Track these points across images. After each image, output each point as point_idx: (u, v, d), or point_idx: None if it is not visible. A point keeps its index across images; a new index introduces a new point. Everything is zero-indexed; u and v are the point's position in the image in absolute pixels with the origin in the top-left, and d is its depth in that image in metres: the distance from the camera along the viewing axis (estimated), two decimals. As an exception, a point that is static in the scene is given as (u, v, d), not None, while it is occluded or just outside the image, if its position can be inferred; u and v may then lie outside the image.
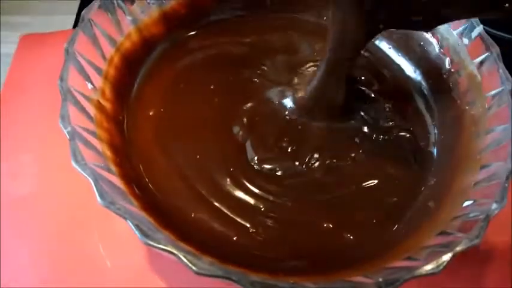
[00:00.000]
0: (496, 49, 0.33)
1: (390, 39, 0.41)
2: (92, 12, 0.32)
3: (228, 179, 0.32)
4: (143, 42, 0.37)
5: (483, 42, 0.34)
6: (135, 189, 0.30)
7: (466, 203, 0.28)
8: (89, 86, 0.31)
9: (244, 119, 0.35)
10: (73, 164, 0.25)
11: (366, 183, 0.33)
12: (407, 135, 0.35)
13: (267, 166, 0.33)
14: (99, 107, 0.31)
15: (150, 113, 0.34)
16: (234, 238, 0.30)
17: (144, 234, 0.24)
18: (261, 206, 0.31)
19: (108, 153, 0.29)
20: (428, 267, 0.24)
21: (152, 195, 0.31)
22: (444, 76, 0.37)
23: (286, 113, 0.36)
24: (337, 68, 0.33)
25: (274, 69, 0.38)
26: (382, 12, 0.29)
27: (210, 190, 0.31)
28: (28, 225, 0.34)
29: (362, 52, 0.40)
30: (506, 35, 0.45)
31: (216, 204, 0.31)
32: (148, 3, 0.37)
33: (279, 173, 0.33)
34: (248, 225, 0.30)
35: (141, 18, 0.36)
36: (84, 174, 0.25)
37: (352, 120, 0.35)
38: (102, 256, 0.33)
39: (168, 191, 0.31)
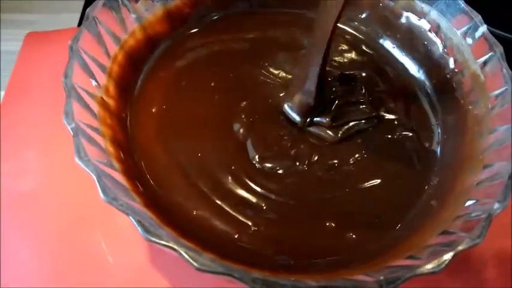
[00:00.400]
0: (499, 49, 0.33)
1: (394, 39, 0.41)
2: (97, 10, 0.32)
3: (230, 177, 0.32)
4: (147, 40, 0.37)
5: (487, 42, 0.34)
6: (138, 185, 0.30)
7: (469, 203, 0.28)
8: (93, 83, 0.31)
9: (244, 117, 0.35)
10: (76, 160, 0.25)
11: (368, 182, 0.33)
12: (411, 135, 0.35)
13: (268, 164, 0.33)
14: (103, 104, 0.31)
15: (153, 110, 0.35)
16: (236, 236, 0.30)
17: (146, 230, 0.24)
18: (263, 204, 0.31)
19: (111, 149, 0.30)
20: (429, 266, 0.24)
21: (154, 192, 0.31)
22: (448, 76, 0.37)
23: (288, 110, 0.35)
24: (321, 53, 0.32)
25: (277, 65, 0.38)
26: None
27: (212, 188, 0.31)
28: (30, 222, 0.34)
29: (366, 50, 0.40)
30: (509, 35, 0.44)
31: (218, 202, 0.31)
32: (153, 1, 0.37)
33: (280, 172, 0.33)
34: (250, 223, 0.30)
35: (146, 16, 0.37)
36: (88, 170, 0.25)
37: (355, 118, 0.35)
38: (104, 252, 0.33)
39: (169, 188, 0.31)
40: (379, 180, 0.33)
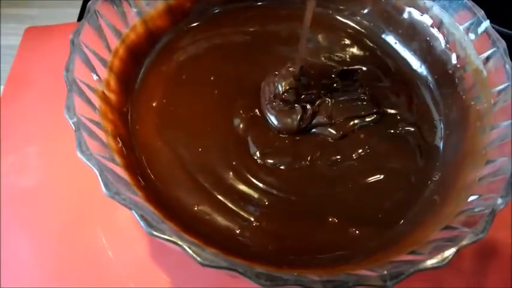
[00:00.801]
0: (502, 44, 0.33)
1: (396, 34, 0.40)
2: (98, 3, 0.32)
3: (231, 172, 0.32)
4: (148, 34, 0.37)
5: (490, 38, 0.33)
6: (140, 180, 0.30)
7: (471, 198, 0.28)
8: (94, 77, 0.31)
9: (243, 112, 0.35)
10: (78, 154, 0.25)
11: (371, 178, 0.33)
12: (413, 130, 0.35)
13: (270, 160, 0.33)
14: (104, 98, 0.31)
15: (154, 104, 0.34)
16: (238, 231, 0.30)
17: (149, 224, 0.23)
18: (265, 200, 0.31)
19: (113, 144, 0.29)
20: (432, 261, 0.24)
21: (155, 187, 0.30)
22: (450, 71, 0.37)
23: (288, 106, 0.35)
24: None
25: (277, 60, 0.38)
26: None
27: (213, 183, 0.31)
28: (31, 217, 0.34)
29: (368, 44, 0.39)
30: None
31: (219, 197, 0.31)
32: (154, -5, 0.37)
33: (282, 167, 0.32)
34: (251, 218, 0.30)
35: (147, 10, 0.36)
36: (90, 164, 0.25)
37: (357, 114, 0.35)
38: (104, 248, 0.33)
39: (170, 182, 0.31)
40: (381, 176, 0.33)
